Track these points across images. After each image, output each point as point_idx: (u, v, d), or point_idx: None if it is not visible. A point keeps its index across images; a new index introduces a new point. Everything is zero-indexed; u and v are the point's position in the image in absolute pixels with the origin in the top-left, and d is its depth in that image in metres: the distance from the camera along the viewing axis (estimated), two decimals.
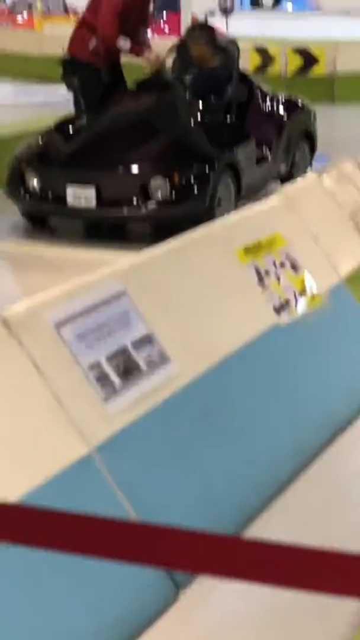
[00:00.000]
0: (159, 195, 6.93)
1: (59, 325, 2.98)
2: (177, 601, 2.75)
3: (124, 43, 7.71)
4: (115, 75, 8.00)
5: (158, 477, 3.02)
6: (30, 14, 24.66)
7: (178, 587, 2.78)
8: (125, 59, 8.10)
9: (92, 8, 7.92)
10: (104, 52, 7.82)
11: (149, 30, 9.75)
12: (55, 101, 14.63)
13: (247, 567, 1.23)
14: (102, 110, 7.67)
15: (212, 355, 3.49)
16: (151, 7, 8.14)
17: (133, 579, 2.70)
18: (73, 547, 1.33)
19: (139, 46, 7.82)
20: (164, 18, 21.77)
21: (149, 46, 7.99)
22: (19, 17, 25.00)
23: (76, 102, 8.04)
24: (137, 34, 7.81)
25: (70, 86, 8.05)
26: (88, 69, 7.82)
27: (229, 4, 18.35)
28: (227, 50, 8.10)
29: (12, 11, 26.06)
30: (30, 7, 25.25)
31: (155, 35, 15.53)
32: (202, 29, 8.31)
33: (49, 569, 2.50)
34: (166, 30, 19.98)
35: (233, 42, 8.28)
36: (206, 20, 9.95)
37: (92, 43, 7.79)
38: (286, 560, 1.21)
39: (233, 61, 8.10)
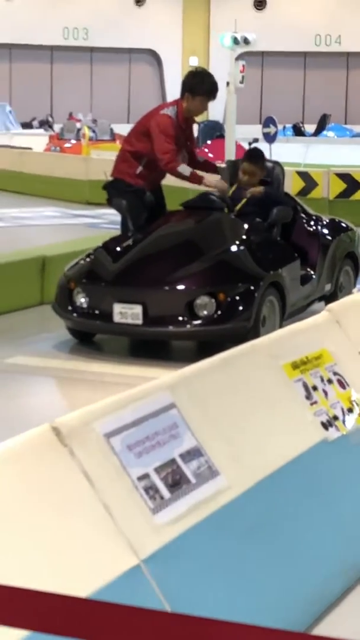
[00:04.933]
0: (205, 313, 7.00)
1: (109, 435, 3.00)
2: None
3: (184, 170, 7.90)
4: (157, 196, 8.19)
5: (205, 590, 2.99)
6: (78, 140, 25.36)
7: None
8: (164, 181, 8.31)
9: (136, 136, 8.12)
10: (149, 174, 8.01)
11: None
12: (99, 223, 14.96)
13: None
14: (148, 230, 7.82)
15: (261, 469, 3.49)
16: (195, 132, 8.34)
17: None
18: None
19: (196, 173, 8.00)
20: (208, 144, 22.28)
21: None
22: (68, 144, 25.69)
23: (123, 223, 8.21)
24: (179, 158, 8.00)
25: (116, 207, 8.23)
26: (135, 191, 8.00)
27: (272, 131, 18.75)
28: (273, 172, 8.28)
29: (61, 137, 26.81)
30: (78, 134, 25.98)
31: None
32: (254, 152, 8.53)
33: None
34: (210, 155, 20.42)
35: (278, 165, 8.46)
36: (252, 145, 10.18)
37: (138, 168, 7.98)
38: None
39: (278, 183, 8.27)
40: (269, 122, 18.84)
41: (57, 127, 31.55)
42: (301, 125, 35.10)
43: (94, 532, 2.79)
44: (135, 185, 7.99)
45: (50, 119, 36.53)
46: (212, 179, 8.22)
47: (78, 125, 27.37)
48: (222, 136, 20.85)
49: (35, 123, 35.80)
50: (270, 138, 18.55)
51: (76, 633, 1.41)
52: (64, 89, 40.10)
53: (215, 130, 23.80)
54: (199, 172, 8.05)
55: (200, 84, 7.97)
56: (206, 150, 21.56)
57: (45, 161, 20.95)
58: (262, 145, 19.03)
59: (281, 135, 24.42)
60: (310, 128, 34.70)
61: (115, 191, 8.12)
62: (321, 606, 3.42)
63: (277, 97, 41.13)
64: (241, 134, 20.32)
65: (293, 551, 3.41)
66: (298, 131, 34.07)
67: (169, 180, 8.34)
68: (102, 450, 2.94)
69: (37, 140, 27.12)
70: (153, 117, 7.94)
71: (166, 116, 7.86)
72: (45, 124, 35.37)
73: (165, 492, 3.05)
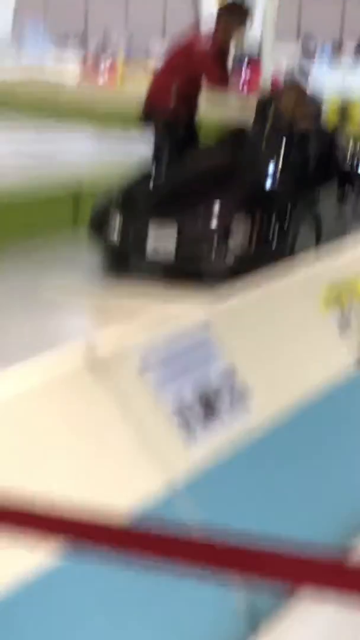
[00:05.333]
0: (240, 239, 6.98)
1: (144, 360, 3.01)
2: None
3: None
4: (190, 128, 8.16)
5: (238, 517, 3.02)
6: (113, 66, 25.08)
7: (254, 627, 2.77)
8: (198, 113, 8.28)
9: (170, 67, 8.08)
10: (182, 106, 7.97)
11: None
12: (135, 150, 14.85)
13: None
14: (184, 158, 7.78)
15: (295, 396, 3.50)
16: (230, 60, 8.29)
17: (208, 618, 2.70)
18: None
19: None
20: (244, 73, 21.96)
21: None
22: (101, 77, 25.40)
23: (155, 153, 8.18)
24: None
25: (149, 138, 8.21)
26: (167, 122, 7.97)
27: (311, 51, 18.46)
28: (311, 101, 8.19)
29: (95, 67, 26.49)
30: (112, 59, 25.68)
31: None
32: (297, 88, 8.40)
33: (127, 599, 2.52)
34: (246, 86, 20.15)
35: (316, 93, 8.35)
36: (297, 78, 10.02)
37: (172, 99, 7.94)
38: None
39: (317, 114, 8.18)
40: (307, 39, 18.53)
41: (91, 44, 31.18)
42: (341, 43, 34.42)
43: (129, 458, 2.82)
44: (168, 116, 7.95)
45: (84, 35, 36.12)
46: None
47: (111, 51, 27.07)
48: (256, 61, 20.52)
49: (69, 40, 35.42)
50: (308, 60, 18.27)
51: (111, 551, 1.44)
52: (99, 2, 39.48)
53: (250, 58, 23.43)
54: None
55: (232, 12, 7.93)
56: (242, 75, 21.26)
57: (79, 88, 20.77)
58: (300, 69, 18.77)
59: (320, 56, 24.04)
60: (350, 46, 34.00)
61: (148, 122, 8.09)
62: (352, 536, 3.45)
63: (316, 12, 40.15)
64: (278, 53, 19.97)
65: (328, 479, 3.43)
66: (337, 50, 33.45)
67: (208, 113, 8.25)
68: (137, 378, 2.96)
69: (71, 60, 26.84)
70: (191, 49, 7.90)
71: (203, 46, 7.83)
72: (79, 40, 34.95)
73: (199, 417, 3.08)
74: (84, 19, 39.27)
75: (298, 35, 30.69)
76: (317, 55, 18.98)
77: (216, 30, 7.95)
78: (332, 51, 32.93)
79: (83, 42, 34.43)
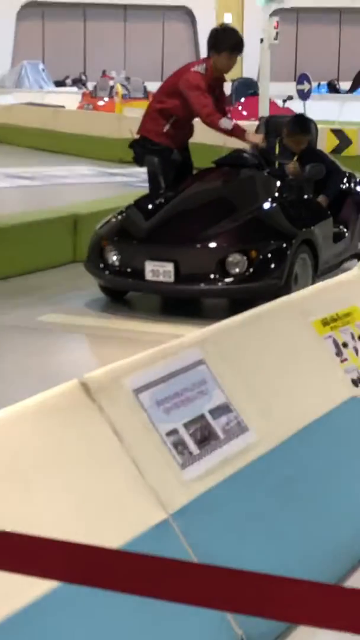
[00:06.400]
0: (237, 271, 6.98)
1: (138, 391, 3.01)
2: None
3: (226, 123, 7.82)
4: (184, 155, 8.15)
5: (233, 545, 3.00)
6: (111, 98, 25.28)
7: None
8: (197, 139, 8.25)
9: (165, 94, 8.06)
10: (176, 133, 7.97)
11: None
12: (132, 181, 14.91)
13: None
14: (180, 188, 7.78)
15: (290, 425, 3.49)
16: (228, 90, 8.29)
17: None
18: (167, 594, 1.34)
19: (240, 127, 7.95)
20: (242, 102, 22.11)
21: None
22: (101, 101, 25.61)
23: (151, 181, 8.17)
24: None
25: (147, 165, 8.19)
26: (161, 150, 7.96)
27: (306, 88, 18.58)
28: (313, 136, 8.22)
29: (94, 95, 26.73)
30: (111, 91, 25.89)
31: (234, 119, 15.72)
32: (304, 122, 8.33)
33: (124, 626, 2.50)
34: (244, 113, 20.29)
35: (312, 123, 8.37)
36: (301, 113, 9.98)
37: (166, 127, 7.93)
38: None
39: (313, 141, 8.20)
40: (303, 79, 18.67)
41: (90, 85, 31.47)
42: (336, 82, 34.75)
43: (123, 486, 2.81)
44: (161, 144, 7.95)
45: (83, 77, 36.41)
46: (253, 135, 8.12)
47: (111, 83, 27.28)
48: (256, 94, 20.66)
49: (68, 81, 35.71)
50: (304, 95, 18.39)
51: (106, 584, 1.42)
52: (97, 46, 39.88)
53: (249, 88, 23.58)
54: (241, 126, 8.00)
55: (222, 40, 7.90)
56: (240, 107, 21.40)
57: (78, 119, 20.91)
58: (296, 103, 18.90)
59: (315, 92, 24.18)
60: (345, 85, 34.34)
61: (142, 150, 8.08)
62: (351, 561, 3.43)
63: (312, 54, 40.69)
64: (275, 92, 20.14)
65: (322, 506, 3.41)
66: (333, 88, 33.73)
67: (203, 138, 8.25)
68: (131, 406, 2.95)
69: (70, 98, 27.06)
70: (183, 75, 7.88)
71: (197, 73, 7.81)
72: (79, 82, 35.28)
73: (193, 447, 3.06)
74: (83, 63, 39.63)
75: (295, 77, 31.00)
76: (312, 92, 19.07)
77: (209, 57, 7.94)
78: (328, 89, 33.20)
79: (81, 84, 34.72)
